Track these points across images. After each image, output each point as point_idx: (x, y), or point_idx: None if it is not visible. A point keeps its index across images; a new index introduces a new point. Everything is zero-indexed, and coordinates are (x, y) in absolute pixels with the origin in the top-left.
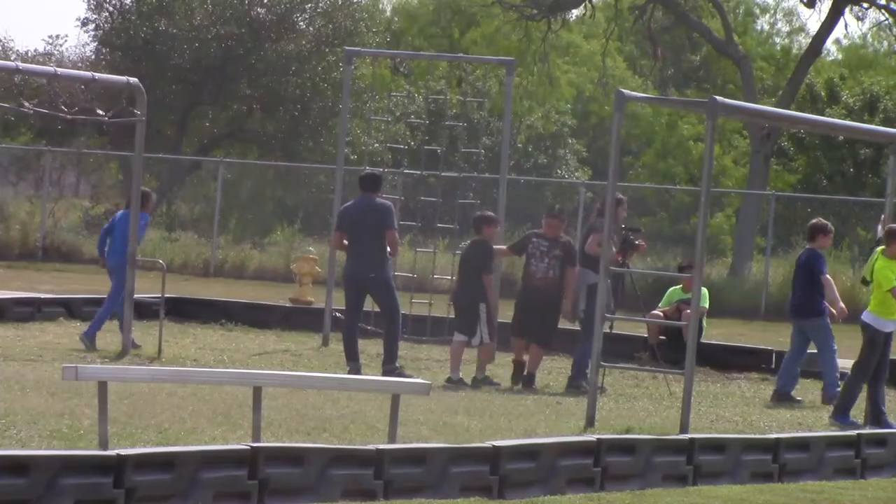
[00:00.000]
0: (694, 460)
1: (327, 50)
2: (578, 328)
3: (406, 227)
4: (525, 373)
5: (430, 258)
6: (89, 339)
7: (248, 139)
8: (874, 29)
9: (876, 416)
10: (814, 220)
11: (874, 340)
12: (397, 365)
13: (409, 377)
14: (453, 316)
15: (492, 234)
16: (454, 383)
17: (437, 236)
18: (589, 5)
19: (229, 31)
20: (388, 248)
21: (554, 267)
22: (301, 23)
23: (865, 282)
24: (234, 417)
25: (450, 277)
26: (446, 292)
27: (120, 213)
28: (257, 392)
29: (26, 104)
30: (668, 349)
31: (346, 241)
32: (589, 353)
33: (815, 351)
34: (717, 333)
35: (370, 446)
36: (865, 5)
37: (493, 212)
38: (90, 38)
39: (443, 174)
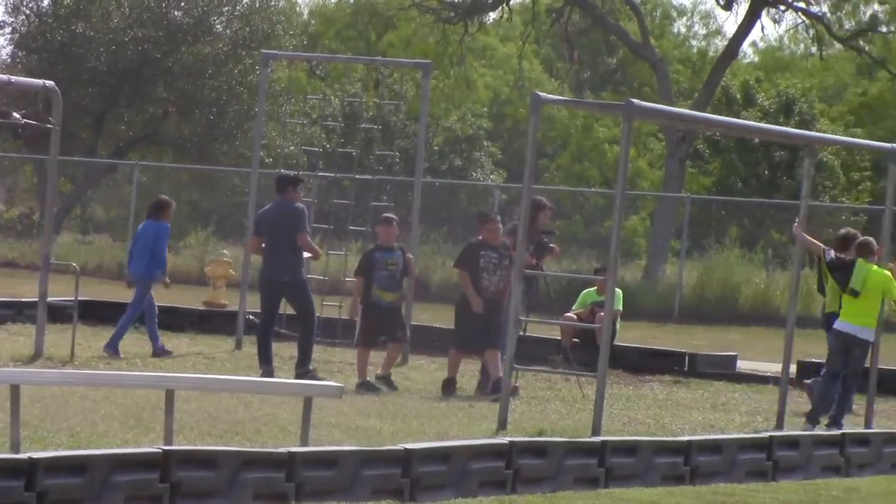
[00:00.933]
0: (606, 463)
1: (244, 53)
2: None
3: (318, 230)
4: (492, 382)
5: (342, 261)
6: (112, 349)
7: (164, 142)
8: (791, 31)
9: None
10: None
11: (850, 349)
12: (310, 368)
13: (321, 380)
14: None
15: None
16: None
17: (350, 239)
18: (506, 8)
19: (146, 34)
20: (308, 252)
21: (504, 278)
22: (218, 26)
23: (854, 293)
24: (147, 421)
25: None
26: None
27: (142, 225)
28: (170, 395)
29: None
30: (581, 352)
31: (263, 245)
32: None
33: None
34: (631, 336)
35: (282, 449)
36: (782, 8)
37: (408, 214)
38: (6, 42)
39: (357, 177)
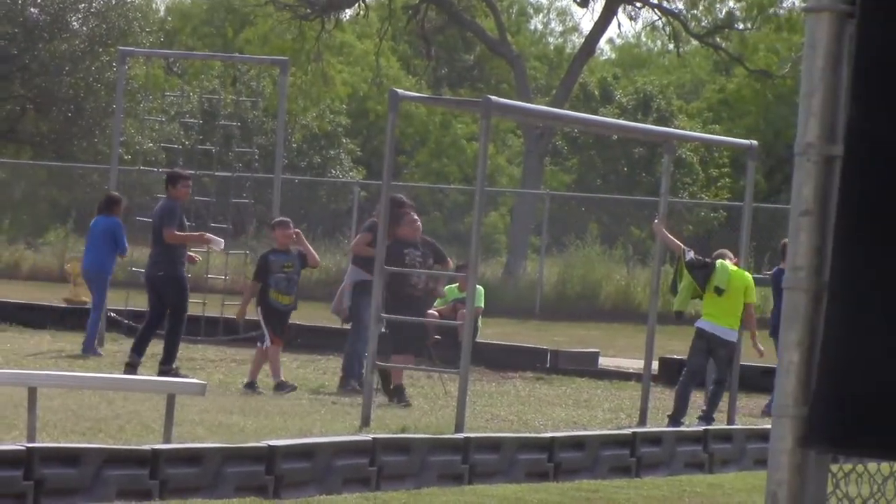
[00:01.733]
0: (469, 459)
1: (101, 50)
2: (348, 327)
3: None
4: (393, 386)
5: (203, 257)
6: (90, 350)
7: (22, 139)
8: (647, 28)
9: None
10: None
11: (715, 349)
12: (174, 366)
13: (184, 377)
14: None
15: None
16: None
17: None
18: (362, 5)
19: (2, 30)
20: (173, 242)
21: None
22: (75, 23)
23: (718, 291)
24: (9, 418)
25: (223, 277)
26: (221, 292)
27: (94, 220)
28: (32, 392)
29: None
30: (443, 348)
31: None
32: (357, 353)
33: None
34: (493, 333)
35: (146, 446)
36: (639, 5)
37: (268, 211)
38: None
39: (217, 174)
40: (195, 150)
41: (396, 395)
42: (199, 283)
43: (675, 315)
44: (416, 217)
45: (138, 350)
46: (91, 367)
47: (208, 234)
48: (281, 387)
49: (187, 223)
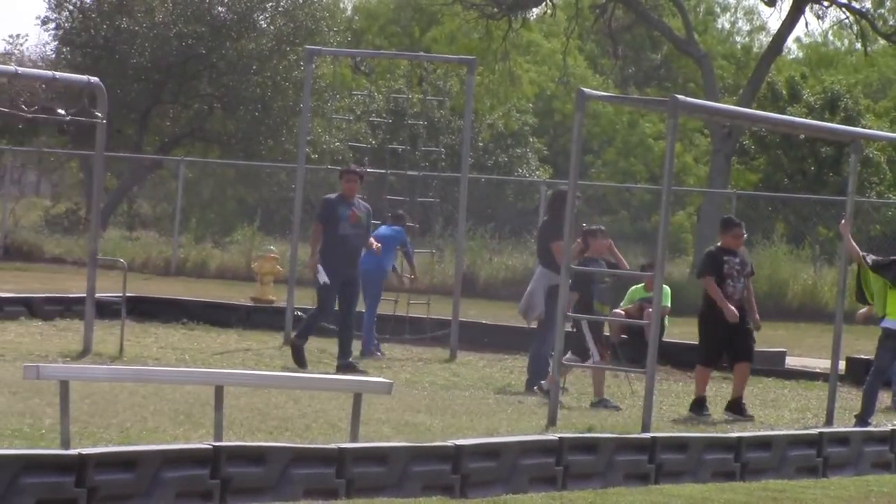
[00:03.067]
0: (656, 459)
1: (288, 49)
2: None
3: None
4: (734, 398)
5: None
6: (369, 353)
7: (209, 138)
8: (835, 27)
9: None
10: None
11: None
12: (350, 360)
13: (362, 373)
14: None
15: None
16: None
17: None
18: (549, 4)
19: (190, 29)
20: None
21: (747, 285)
22: (262, 21)
23: None
24: (196, 417)
25: (410, 277)
26: (408, 291)
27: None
28: (219, 391)
29: None
30: (629, 348)
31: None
32: (544, 354)
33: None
34: (679, 332)
35: (332, 445)
36: (826, 3)
37: (455, 210)
38: (51, 38)
39: (406, 173)
40: (382, 149)
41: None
42: (389, 281)
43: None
44: (743, 231)
45: (299, 332)
46: (277, 367)
47: (319, 264)
48: (602, 404)
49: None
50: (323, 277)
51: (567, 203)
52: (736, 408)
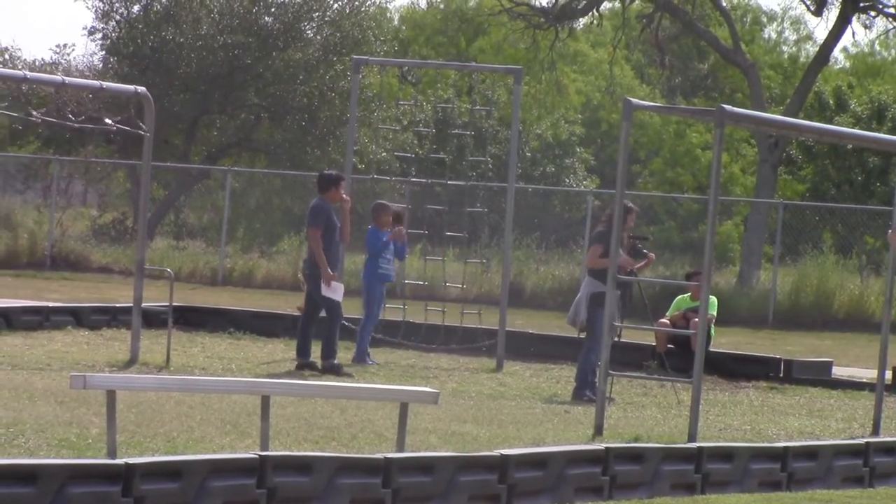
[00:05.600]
0: (702, 469)
1: (335, 59)
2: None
3: (415, 236)
4: None
5: (439, 266)
6: (358, 361)
7: (256, 148)
8: (882, 37)
9: None
10: None
11: None
12: (335, 361)
13: (348, 376)
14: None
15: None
16: None
17: (447, 244)
18: (596, 14)
19: (236, 39)
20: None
21: None
22: (308, 31)
23: None
24: (243, 426)
25: (461, 286)
26: (456, 301)
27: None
28: (265, 401)
29: (34, 113)
30: (676, 358)
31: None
32: (591, 364)
33: None
34: (726, 342)
35: (378, 455)
36: (873, 14)
37: (501, 220)
38: (97, 48)
39: (449, 182)
40: (428, 159)
41: None
42: (435, 291)
43: None
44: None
45: (323, 354)
46: (323, 377)
47: (334, 280)
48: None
49: (422, 231)
50: (338, 295)
51: (615, 213)
52: None
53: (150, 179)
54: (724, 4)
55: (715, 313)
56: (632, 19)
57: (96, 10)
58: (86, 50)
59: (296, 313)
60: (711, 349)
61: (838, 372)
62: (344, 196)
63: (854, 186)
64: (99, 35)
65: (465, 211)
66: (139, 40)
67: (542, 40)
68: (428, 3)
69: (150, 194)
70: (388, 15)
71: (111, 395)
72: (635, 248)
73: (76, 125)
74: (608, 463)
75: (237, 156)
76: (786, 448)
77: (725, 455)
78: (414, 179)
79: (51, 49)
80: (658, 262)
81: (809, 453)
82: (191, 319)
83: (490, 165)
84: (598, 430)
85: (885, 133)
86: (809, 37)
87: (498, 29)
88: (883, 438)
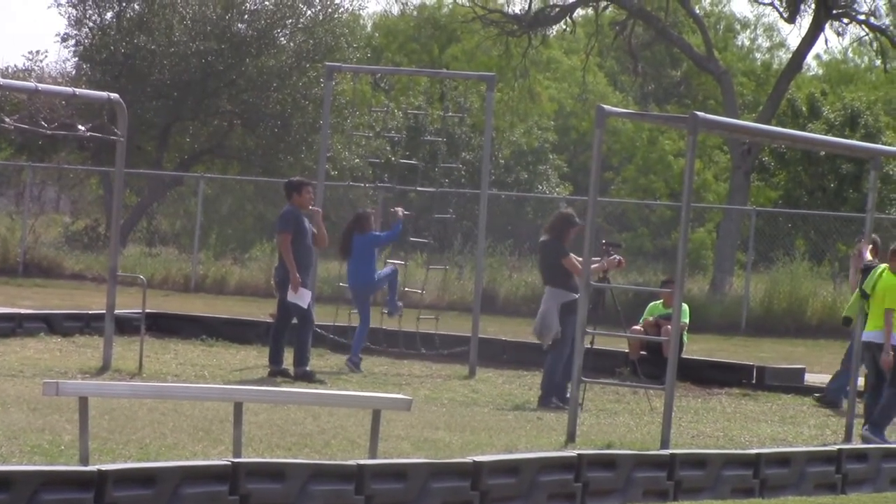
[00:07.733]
0: (675, 475)
1: (308, 66)
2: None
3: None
4: None
5: (402, 270)
6: (354, 364)
7: (229, 155)
8: (855, 44)
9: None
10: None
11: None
12: (308, 368)
13: (321, 382)
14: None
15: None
16: None
17: (413, 250)
18: (569, 21)
19: (209, 46)
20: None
21: None
22: (282, 38)
23: (865, 295)
24: (215, 433)
25: (420, 291)
26: (429, 307)
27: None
28: (238, 408)
29: (6, 120)
30: (648, 364)
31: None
32: (556, 371)
33: None
34: (698, 349)
35: (351, 461)
36: (846, 21)
37: (474, 227)
38: (70, 54)
39: (419, 189)
40: (400, 165)
41: None
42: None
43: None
44: None
45: (296, 361)
46: (296, 383)
47: (301, 286)
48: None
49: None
50: (304, 302)
51: (587, 221)
52: None
53: (123, 186)
54: (698, 12)
55: (687, 321)
56: (605, 26)
57: (69, 17)
58: (59, 56)
59: (268, 320)
60: (684, 356)
61: (811, 379)
62: (312, 205)
63: (827, 193)
64: (72, 42)
65: (433, 217)
66: (112, 47)
67: (515, 48)
68: (401, 11)
69: (122, 201)
70: (361, 22)
71: (84, 402)
72: (608, 254)
73: (49, 132)
74: (581, 470)
75: (210, 162)
76: (758, 455)
77: (698, 462)
78: (387, 185)
79: (23, 55)
80: (631, 268)
81: (782, 460)
82: (163, 326)
83: (463, 172)
84: (571, 437)
85: (857, 140)
86: (782, 44)
87: (471, 36)
88: (855, 445)
